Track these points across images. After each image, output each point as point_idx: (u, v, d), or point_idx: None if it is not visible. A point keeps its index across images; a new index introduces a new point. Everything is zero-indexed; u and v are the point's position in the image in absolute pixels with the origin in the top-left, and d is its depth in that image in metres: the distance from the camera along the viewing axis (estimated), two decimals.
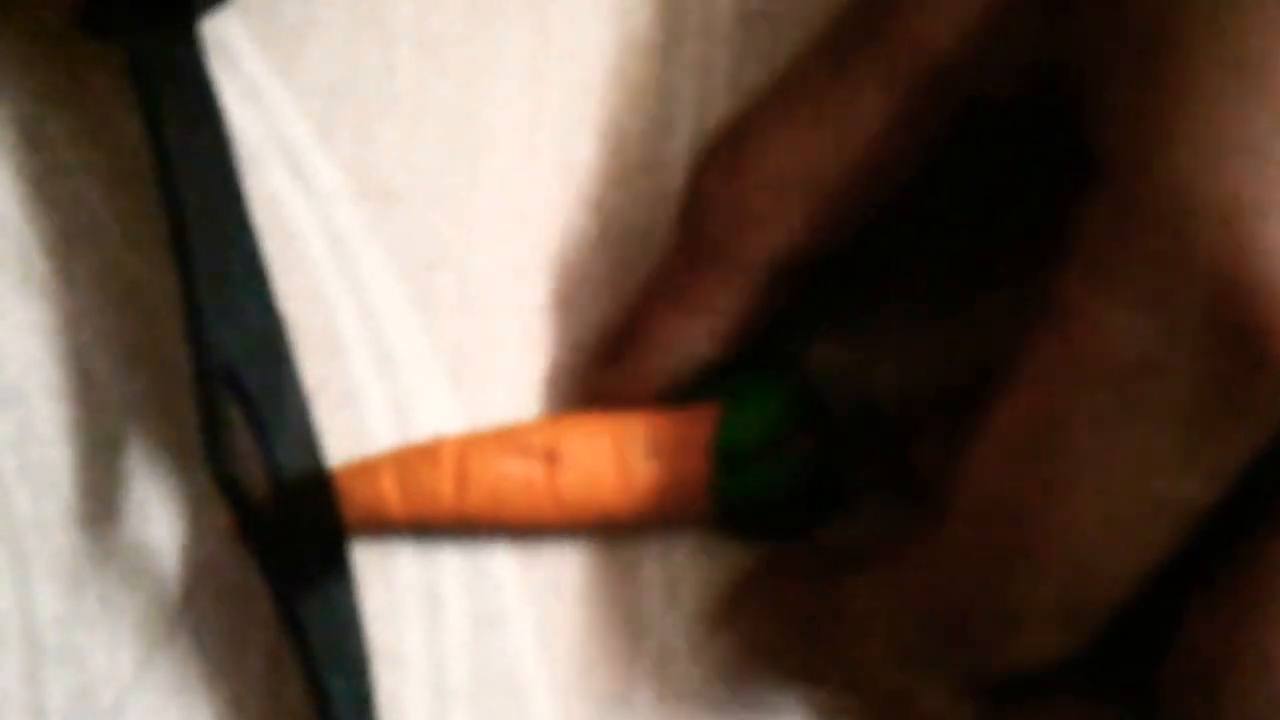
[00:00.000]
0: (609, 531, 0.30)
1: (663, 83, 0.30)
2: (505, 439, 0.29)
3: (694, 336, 0.28)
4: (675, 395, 0.29)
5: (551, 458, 0.29)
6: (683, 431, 0.28)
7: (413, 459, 0.29)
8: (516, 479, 0.29)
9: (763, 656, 0.29)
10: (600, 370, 0.29)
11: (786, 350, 0.29)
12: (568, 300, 0.30)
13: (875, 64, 0.26)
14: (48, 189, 0.31)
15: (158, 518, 0.30)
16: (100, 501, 0.30)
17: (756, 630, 0.28)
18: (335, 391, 0.30)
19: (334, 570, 0.29)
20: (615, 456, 0.28)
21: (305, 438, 0.29)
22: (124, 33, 0.28)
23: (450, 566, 0.30)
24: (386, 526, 0.29)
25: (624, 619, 0.30)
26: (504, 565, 0.30)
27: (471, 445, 0.29)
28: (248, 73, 0.31)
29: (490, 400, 0.30)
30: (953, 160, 0.27)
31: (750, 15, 0.30)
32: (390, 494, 0.29)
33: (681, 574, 0.30)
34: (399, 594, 0.30)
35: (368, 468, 0.29)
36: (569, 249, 0.30)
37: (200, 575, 0.30)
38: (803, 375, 0.29)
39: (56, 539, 0.30)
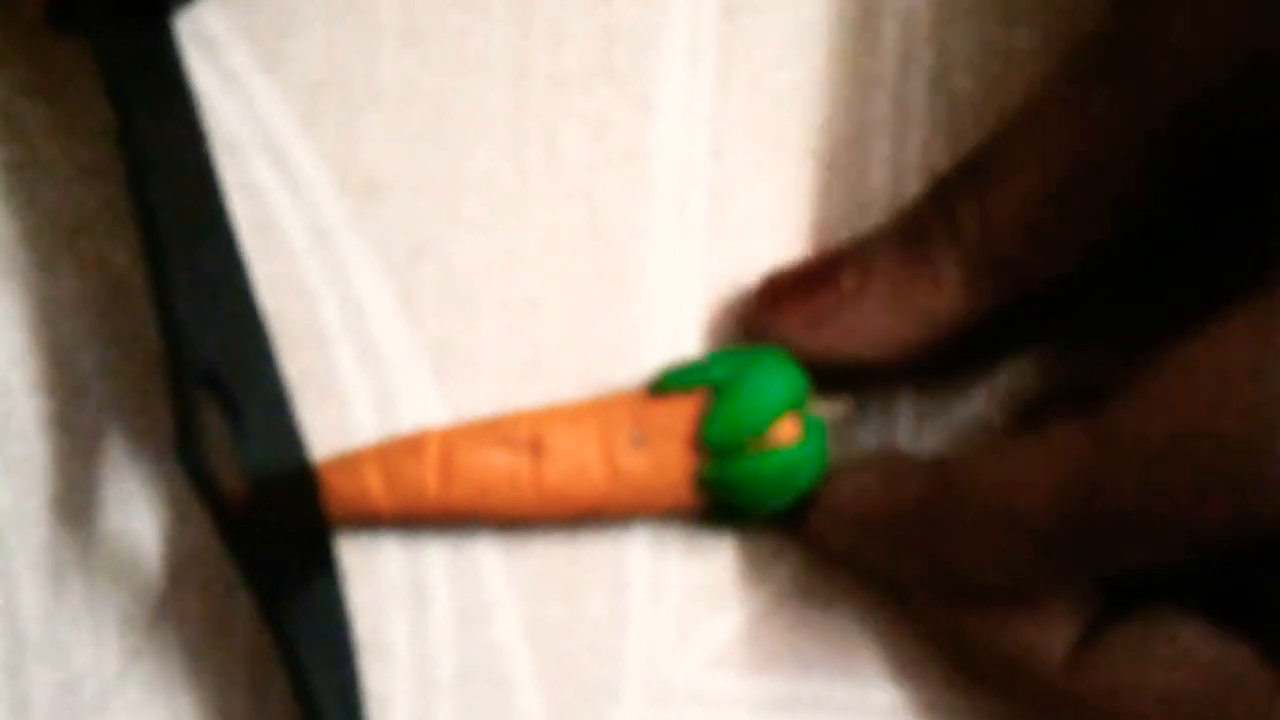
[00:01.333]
0: (596, 524, 0.30)
1: (646, 72, 0.30)
2: (490, 430, 0.29)
3: (899, 336, 0.28)
4: (665, 382, 0.29)
5: (537, 449, 0.28)
6: (669, 421, 0.28)
7: (397, 451, 0.29)
8: (502, 470, 0.28)
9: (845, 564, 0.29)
10: (791, 299, 0.29)
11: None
12: (552, 292, 0.30)
13: (1118, 93, 0.26)
14: (31, 182, 0.30)
15: (141, 511, 0.30)
16: (83, 496, 0.30)
17: (838, 536, 0.28)
18: (319, 384, 0.30)
19: (317, 564, 0.28)
20: (601, 446, 0.28)
21: (287, 433, 0.29)
22: (91, 26, 0.28)
23: (436, 560, 0.30)
24: (372, 519, 0.29)
25: (610, 613, 0.30)
26: (490, 558, 0.30)
27: (456, 437, 0.29)
28: (231, 65, 0.31)
29: (474, 393, 0.30)
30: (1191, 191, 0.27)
31: (733, 6, 0.30)
32: (375, 487, 0.29)
33: (668, 568, 0.30)
34: (385, 587, 0.30)
35: (352, 461, 0.29)
36: (553, 241, 0.30)
37: (184, 569, 0.30)
38: (794, 364, 0.28)
39: (39, 533, 0.30)
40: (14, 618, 0.30)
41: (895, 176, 0.30)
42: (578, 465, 0.28)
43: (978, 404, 0.30)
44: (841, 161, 0.30)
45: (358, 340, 0.30)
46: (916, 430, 0.30)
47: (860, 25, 0.30)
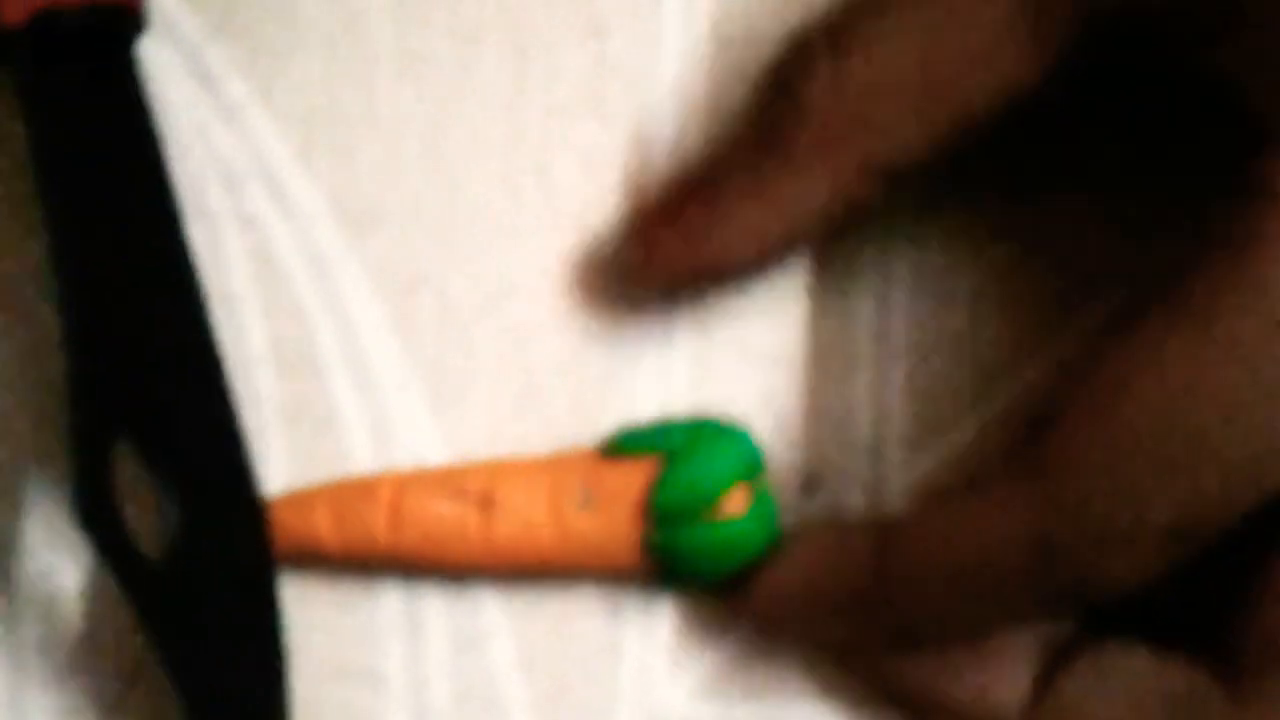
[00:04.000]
0: (545, 579, 0.30)
1: (639, 105, 0.31)
2: (443, 480, 0.29)
3: (770, 229, 0.27)
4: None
5: (487, 502, 0.29)
6: (620, 484, 0.28)
7: (350, 493, 0.29)
8: (450, 521, 0.29)
9: (795, 636, 0.29)
10: (660, 228, 0.28)
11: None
12: (546, 322, 0.30)
13: None
14: (28, 215, 0.31)
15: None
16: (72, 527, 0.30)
17: (785, 613, 0.28)
18: (315, 412, 0.30)
19: (256, 607, 0.28)
20: (550, 505, 0.28)
21: (230, 471, 0.28)
22: (14, 60, 0.27)
23: (431, 587, 0.30)
24: (319, 559, 0.29)
25: (603, 641, 0.30)
26: (485, 586, 0.30)
27: (409, 483, 0.29)
28: (229, 97, 0.31)
29: (469, 421, 0.30)
30: (1069, 83, 0.26)
31: (729, 37, 0.30)
32: (324, 527, 0.29)
33: (660, 596, 0.30)
34: (380, 614, 0.30)
35: (303, 499, 0.29)
36: (548, 270, 0.30)
37: None
38: (748, 436, 0.29)
39: (42, 559, 0.30)
40: (14, 646, 0.30)
41: None
42: (526, 522, 0.28)
43: (968, 432, 0.30)
44: None
45: (354, 368, 0.30)
46: (908, 460, 0.30)
47: None
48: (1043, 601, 0.25)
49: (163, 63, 0.31)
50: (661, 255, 0.28)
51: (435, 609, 0.30)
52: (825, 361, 0.30)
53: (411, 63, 0.31)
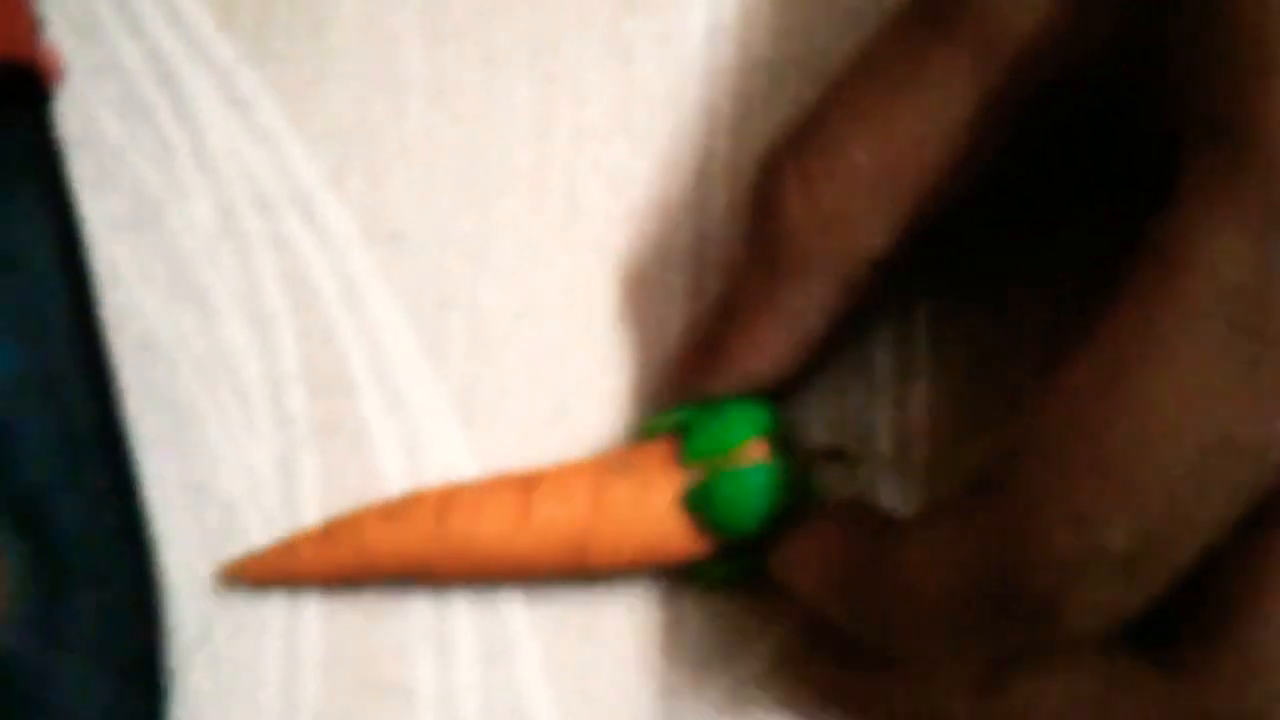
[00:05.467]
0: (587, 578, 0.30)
1: (665, 128, 0.31)
2: (486, 484, 0.30)
3: (784, 341, 0.28)
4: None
5: (529, 485, 0.29)
6: (654, 452, 0.29)
7: (393, 508, 0.30)
8: (493, 506, 0.29)
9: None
10: (692, 372, 0.29)
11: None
12: (575, 341, 0.31)
13: (956, 51, 0.25)
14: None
15: (174, 553, 0.30)
16: None
17: (800, 580, 0.28)
18: (348, 431, 0.31)
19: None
20: (592, 478, 0.29)
21: (128, 548, 0.28)
22: None
23: (460, 602, 0.30)
24: (358, 577, 0.30)
25: (629, 655, 0.30)
26: (512, 601, 0.30)
27: (453, 489, 0.30)
28: (262, 122, 0.31)
29: (500, 439, 0.31)
30: (1026, 152, 0.27)
31: (752, 62, 0.31)
32: (379, 539, 0.29)
33: (684, 613, 0.30)
34: (410, 629, 0.30)
35: (352, 520, 0.30)
36: (576, 291, 0.31)
37: (215, 614, 0.30)
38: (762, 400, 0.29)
39: None
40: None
41: None
42: (567, 496, 0.29)
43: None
44: None
45: (386, 388, 0.31)
46: (929, 482, 0.30)
47: None
48: (1004, 633, 0.24)
49: (197, 86, 0.31)
50: (698, 377, 0.29)
51: (464, 622, 0.30)
52: (846, 381, 0.30)
53: (442, 86, 0.31)
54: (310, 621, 0.30)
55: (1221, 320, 0.22)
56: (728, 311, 0.29)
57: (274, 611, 0.30)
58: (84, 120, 0.31)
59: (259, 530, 0.30)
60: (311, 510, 0.30)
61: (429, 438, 0.31)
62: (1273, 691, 0.24)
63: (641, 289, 0.31)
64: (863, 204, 0.27)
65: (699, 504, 0.28)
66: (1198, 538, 0.23)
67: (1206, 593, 0.25)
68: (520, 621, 0.30)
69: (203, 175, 0.31)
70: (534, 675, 0.30)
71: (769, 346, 0.28)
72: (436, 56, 0.31)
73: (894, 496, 0.30)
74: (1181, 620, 0.25)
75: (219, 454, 0.31)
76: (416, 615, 0.30)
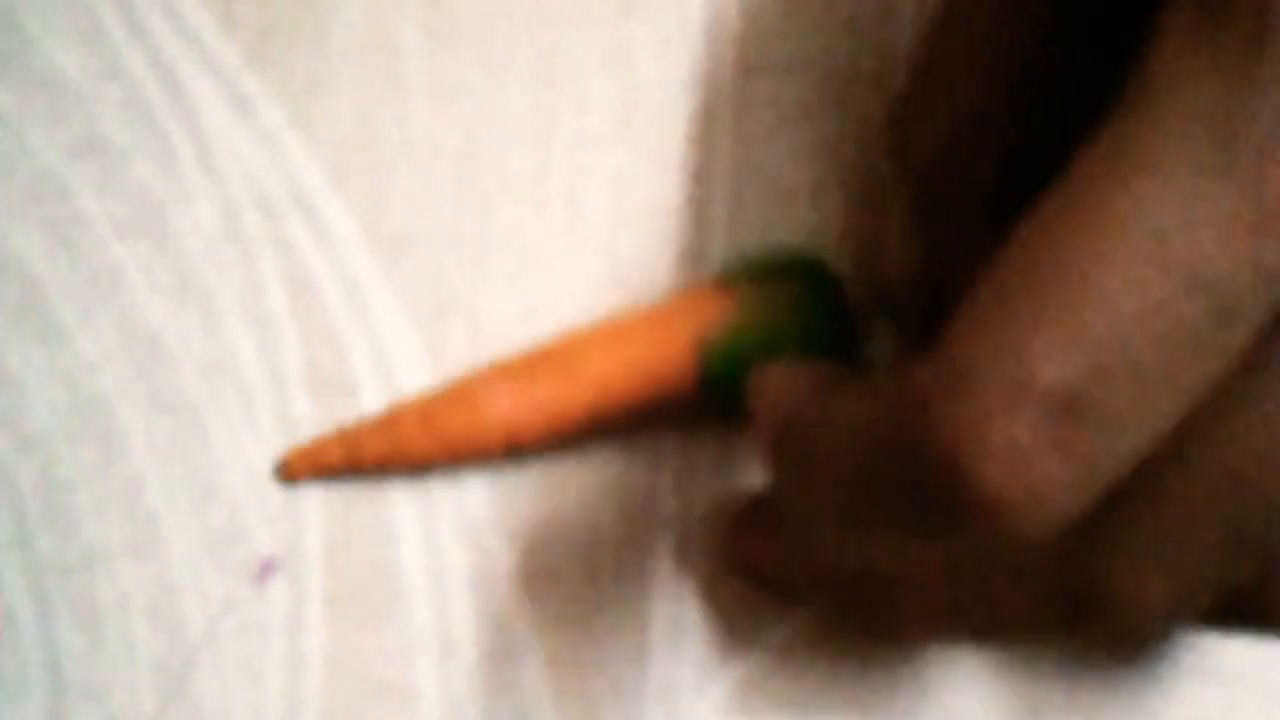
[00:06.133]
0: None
1: (666, 131, 0.31)
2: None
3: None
4: None
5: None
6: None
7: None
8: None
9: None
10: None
11: None
12: None
13: None
14: (69, 239, 0.31)
15: (177, 556, 0.31)
16: (121, 542, 0.31)
17: (766, 418, 0.24)
18: None
19: None
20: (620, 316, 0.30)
21: None
22: None
23: (463, 604, 0.30)
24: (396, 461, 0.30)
25: (631, 655, 0.30)
26: (515, 602, 0.30)
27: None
28: (265, 124, 0.31)
29: None
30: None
31: (752, 66, 0.31)
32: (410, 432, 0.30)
33: (687, 612, 0.30)
34: (413, 632, 0.30)
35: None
36: (577, 294, 0.31)
37: (219, 613, 0.31)
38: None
39: (78, 579, 0.31)
40: (54, 661, 0.30)
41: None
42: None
43: None
44: (855, 222, 0.31)
45: (387, 389, 0.31)
46: None
47: (874, 87, 0.31)
48: (923, 490, 0.20)
49: (199, 90, 0.32)
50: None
51: (466, 626, 0.30)
52: None
53: (444, 91, 0.31)
54: (313, 621, 0.30)
55: (1189, 147, 0.20)
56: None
57: (277, 611, 0.30)
58: (87, 124, 0.31)
59: (262, 532, 0.30)
60: (315, 510, 0.31)
61: None
62: (1161, 566, 0.22)
63: (643, 293, 0.31)
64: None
65: (713, 359, 0.28)
66: (1158, 389, 0.19)
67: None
68: (523, 623, 0.30)
69: (206, 178, 0.31)
70: (536, 679, 0.30)
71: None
72: (438, 60, 0.31)
73: None
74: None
75: (222, 456, 0.31)
76: (418, 616, 0.30)
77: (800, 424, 0.23)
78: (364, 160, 0.31)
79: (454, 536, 0.30)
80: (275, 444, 0.31)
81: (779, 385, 0.24)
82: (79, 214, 0.31)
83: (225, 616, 0.30)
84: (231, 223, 0.31)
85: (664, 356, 0.29)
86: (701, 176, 0.31)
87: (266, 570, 0.30)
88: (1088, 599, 0.22)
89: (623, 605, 0.30)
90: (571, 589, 0.30)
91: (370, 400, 0.31)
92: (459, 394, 0.29)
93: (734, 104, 0.31)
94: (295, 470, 0.30)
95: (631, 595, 0.30)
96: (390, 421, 0.30)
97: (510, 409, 0.29)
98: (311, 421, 0.31)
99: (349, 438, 0.30)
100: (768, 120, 0.31)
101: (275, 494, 0.31)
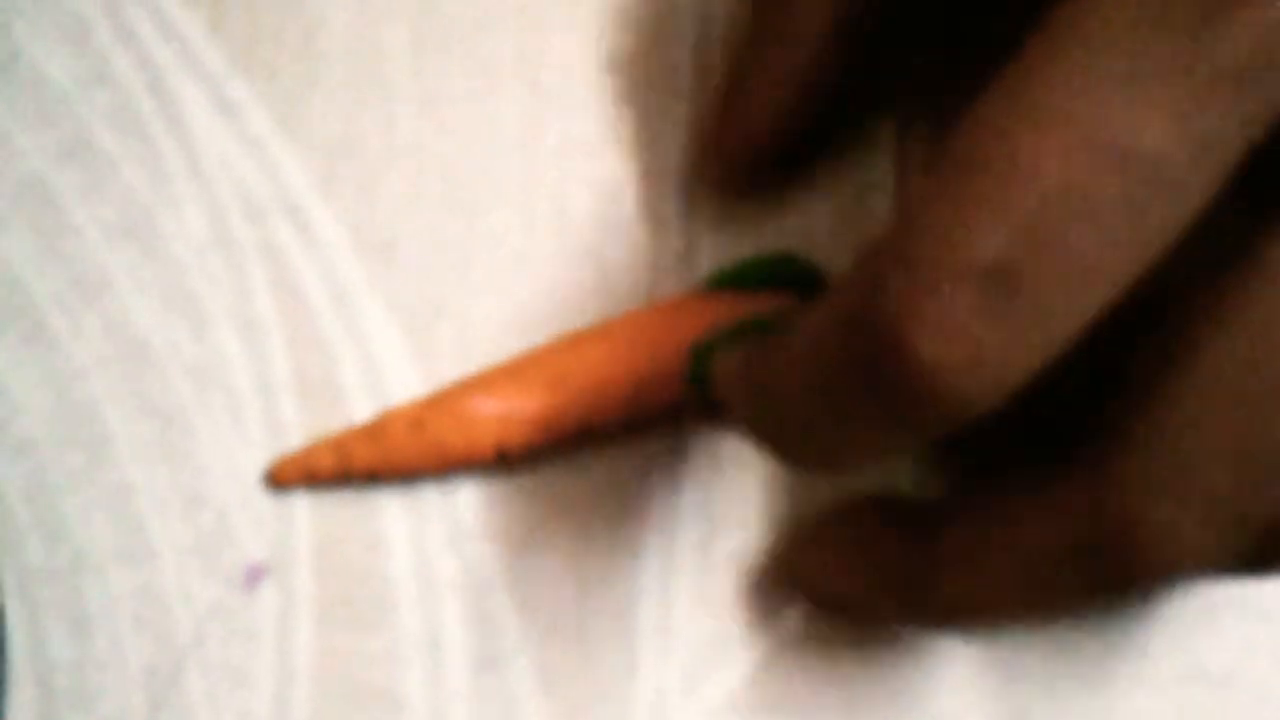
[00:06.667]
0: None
1: (654, 136, 0.31)
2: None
3: (780, 99, 0.28)
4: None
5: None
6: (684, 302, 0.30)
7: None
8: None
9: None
10: (705, 144, 0.29)
11: None
12: None
13: None
14: (58, 245, 0.31)
15: (166, 562, 0.31)
16: (110, 548, 0.31)
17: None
18: None
19: None
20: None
21: None
22: None
23: (451, 610, 0.30)
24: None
25: (619, 662, 0.30)
26: (503, 609, 0.30)
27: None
28: (253, 130, 0.31)
29: None
30: None
31: None
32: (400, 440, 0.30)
33: (675, 618, 0.30)
34: (400, 638, 0.30)
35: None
36: (565, 300, 0.31)
37: (208, 618, 0.31)
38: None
39: (67, 584, 0.31)
40: (44, 666, 0.31)
41: None
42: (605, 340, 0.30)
43: None
44: (843, 226, 0.31)
45: (374, 396, 0.31)
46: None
47: None
48: (859, 386, 0.21)
49: (187, 95, 0.31)
50: (711, 143, 0.29)
51: (455, 630, 0.30)
52: None
53: (431, 97, 0.31)
54: (302, 627, 0.30)
55: (1121, 22, 0.20)
56: (730, 80, 0.29)
57: (266, 618, 0.30)
58: (75, 128, 0.31)
59: (251, 538, 0.30)
60: (304, 516, 0.31)
61: None
62: (1185, 497, 0.22)
63: (630, 299, 0.31)
64: None
65: (703, 357, 0.29)
66: (1089, 263, 0.20)
67: (1118, 384, 0.22)
68: (511, 630, 0.30)
69: (194, 184, 0.31)
70: (525, 684, 0.30)
71: (767, 105, 0.28)
72: (426, 66, 0.31)
73: None
74: (1090, 415, 0.23)
75: (210, 462, 0.31)
76: (407, 622, 0.30)
77: (755, 366, 0.23)
78: (351, 165, 0.31)
79: (443, 542, 0.30)
80: (264, 449, 0.31)
81: (731, 357, 0.25)
82: (67, 219, 0.31)
83: (214, 622, 0.30)
84: (219, 228, 0.31)
85: (653, 363, 0.29)
86: (689, 183, 0.31)
87: (255, 576, 0.31)
88: (1118, 548, 0.22)
89: (611, 611, 0.30)
90: (560, 595, 0.30)
91: (358, 405, 0.31)
92: (448, 402, 0.29)
93: None
94: (284, 478, 0.30)
95: (620, 601, 0.30)
96: (379, 429, 0.30)
97: (499, 417, 0.29)
98: (299, 427, 0.31)
99: (338, 445, 0.30)
100: None
101: (264, 499, 0.31)
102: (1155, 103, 0.19)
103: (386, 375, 0.31)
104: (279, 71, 0.31)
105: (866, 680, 0.30)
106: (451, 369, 0.31)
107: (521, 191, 0.31)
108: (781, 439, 0.23)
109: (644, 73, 0.31)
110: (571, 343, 0.29)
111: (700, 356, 0.28)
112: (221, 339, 0.31)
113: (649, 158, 0.31)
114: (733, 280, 0.30)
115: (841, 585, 0.27)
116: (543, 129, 0.31)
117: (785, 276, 0.30)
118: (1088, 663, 0.30)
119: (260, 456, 0.31)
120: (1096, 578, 0.23)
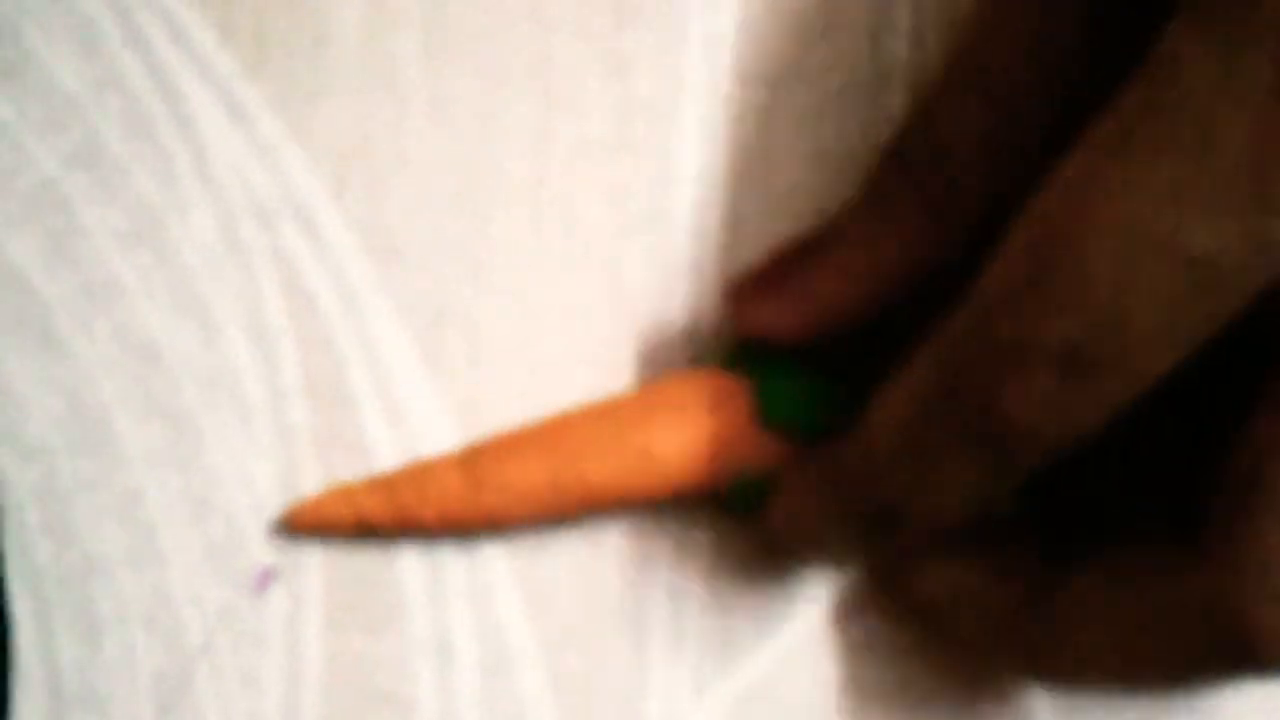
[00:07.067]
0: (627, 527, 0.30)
1: (663, 141, 0.31)
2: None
3: (864, 288, 0.28)
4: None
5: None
6: (731, 384, 0.29)
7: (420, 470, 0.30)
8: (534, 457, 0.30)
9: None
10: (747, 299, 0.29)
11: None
12: (573, 355, 0.31)
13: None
14: (68, 249, 0.31)
15: (176, 566, 0.31)
16: (120, 552, 0.31)
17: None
18: (346, 443, 0.31)
19: None
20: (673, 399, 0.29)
21: None
22: None
23: (461, 613, 0.30)
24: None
25: (630, 665, 0.30)
26: (514, 611, 0.30)
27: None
28: (263, 135, 0.31)
29: None
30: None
31: (749, 75, 0.31)
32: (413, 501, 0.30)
33: (687, 622, 0.30)
34: (410, 641, 0.30)
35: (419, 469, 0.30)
36: (575, 304, 0.31)
37: (218, 623, 0.31)
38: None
39: (77, 589, 0.31)
40: (53, 670, 0.31)
41: None
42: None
43: None
44: None
45: (385, 401, 0.31)
46: None
47: (871, 96, 0.31)
48: (956, 439, 0.24)
49: (198, 100, 0.32)
50: (761, 312, 0.29)
51: (465, 634, 0.30)
52: None
53: (441, 102, 0.31)
54: (311, 632, 0.30)
55: (1179, 127, 0.21)
56: (824, 244, 0.28)
57: (275, 623, 0.30)
58: (85, 133, 0.31)
59: (261, 543, 0.31)
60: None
61: (428, 449, 0.31)
62: None
63: (640, 302, 0.31)
64: (984, 128, 0.26)
65: (768, 402, 0.28)
66: (1149, 343, 0.22)
67: (1216, 476, 0.24)
68: (522, 633, 0.30)
69: (204, 188, 0.31)
70: (535, 687, 0.30)
71: (860, 292, 0.28)
72: (435, 70, 0.31)
73: None
74: (1193, 506, 0.24)
75: (220, 467, 0.31)
76: (417, 625, 0.30)
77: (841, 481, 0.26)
78: (362, 170, 0.31)
79: (453, 547, 0.30)
80: (273, 455, 0.31)
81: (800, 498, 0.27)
82: (77, 224, 0.31)
83: (224, 626, 0.31)
84: (229, 233, 0.31)
85: (672, 455, 0.29)
86: (699, 187, 0.31)
87: (265, 580, 0.31)
88: (1231, 645, 0.24)
89: (622, 615, 0.30)
90: (571, 599, 0.30)
91: (369, 410, 0.31)
92: (459, 466, 0.30)
93: (731, 113, 0.31)
94: (297, 526, 0.30)
95: (631, 605, 0.30)
96: (390, 485, 0.30)
97: (511, 493, 0.29)
98: (309, 431, 0.31)
99: (351, 497, 0.30)
100: (765, 130, 0.31)
101: (273, 504, 0.31)
102: (1210, 206, 0.21)
103: (396, 379, 0.31)
104: (289, 76, 0.32)
105: (877, 682, 0.30)
106: (461, 372, 0.31)
107: (531, 195, 0.31)
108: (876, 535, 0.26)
109: (653, 75, 0.31)
110: (587, 423, 0.29)
111: (740, 489, 0.29)
112: (231, 343, 0.31)
113: (658, 161, 0.31)
114: (751, 363, 0.29)
115: (968, 618, 0.27)
116: (553, 133, 0.31)
117: (806, 366, 0.29)
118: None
119: (270, 461, 0.31)
120: (1207, 663, 0.24)
